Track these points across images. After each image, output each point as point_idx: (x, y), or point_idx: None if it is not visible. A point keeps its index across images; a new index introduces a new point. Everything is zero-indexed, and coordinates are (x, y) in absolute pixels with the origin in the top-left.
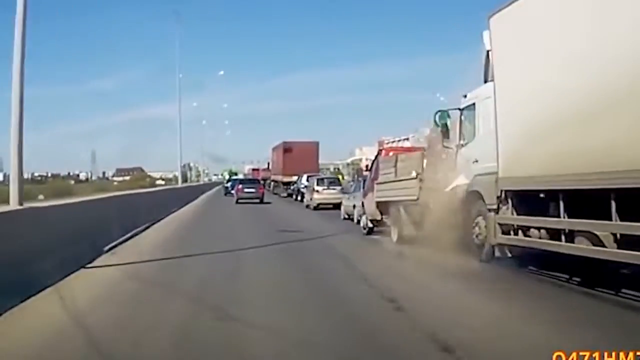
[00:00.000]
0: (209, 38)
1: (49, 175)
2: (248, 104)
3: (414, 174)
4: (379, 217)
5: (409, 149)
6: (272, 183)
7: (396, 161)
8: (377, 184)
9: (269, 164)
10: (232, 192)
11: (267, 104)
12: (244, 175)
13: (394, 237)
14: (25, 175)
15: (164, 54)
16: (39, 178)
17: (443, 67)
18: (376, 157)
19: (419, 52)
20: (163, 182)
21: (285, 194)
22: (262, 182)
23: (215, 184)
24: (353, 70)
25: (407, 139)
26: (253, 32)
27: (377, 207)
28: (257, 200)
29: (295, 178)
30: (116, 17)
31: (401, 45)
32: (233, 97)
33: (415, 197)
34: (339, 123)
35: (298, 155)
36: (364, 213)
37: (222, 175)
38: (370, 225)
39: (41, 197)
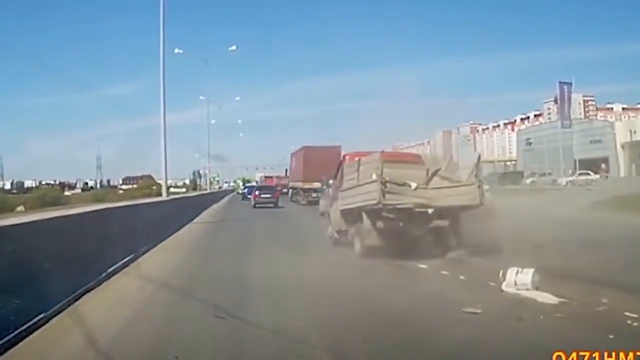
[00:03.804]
0: (217, 43)
1: (57, 182)
2: (256, 112)
3: (374, 177)
4: (344, 227)
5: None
6: (291, 190)
7: (358, 165)
8: (341, 191)
9: (286, 170)
10: (249, 197)
11: (275, 111)
12: (257, 182)
13: (357, 247)
14: (32, 183)
15: (172, 62)
16: (46, 186)
17: (459, 73)
18: (340, 163)
19: (434, 56)
20: (175, 190)
21: (305, 202)
22: (278, 188)
23: (227, 192)
24: (363, 76)
25: (423, 144)
26: (260, 39)
27: (342, 216)
28: (272, 205)
29: (315, 185)
30: (122, 24)
31: (415, 50)
32: (242, 104)
33: (375, 201)
34: (351, 130)
35: (319, 161)
36: (330, 223)
37: (234, 182)
38: (336, 236)
39: (20, 208)
